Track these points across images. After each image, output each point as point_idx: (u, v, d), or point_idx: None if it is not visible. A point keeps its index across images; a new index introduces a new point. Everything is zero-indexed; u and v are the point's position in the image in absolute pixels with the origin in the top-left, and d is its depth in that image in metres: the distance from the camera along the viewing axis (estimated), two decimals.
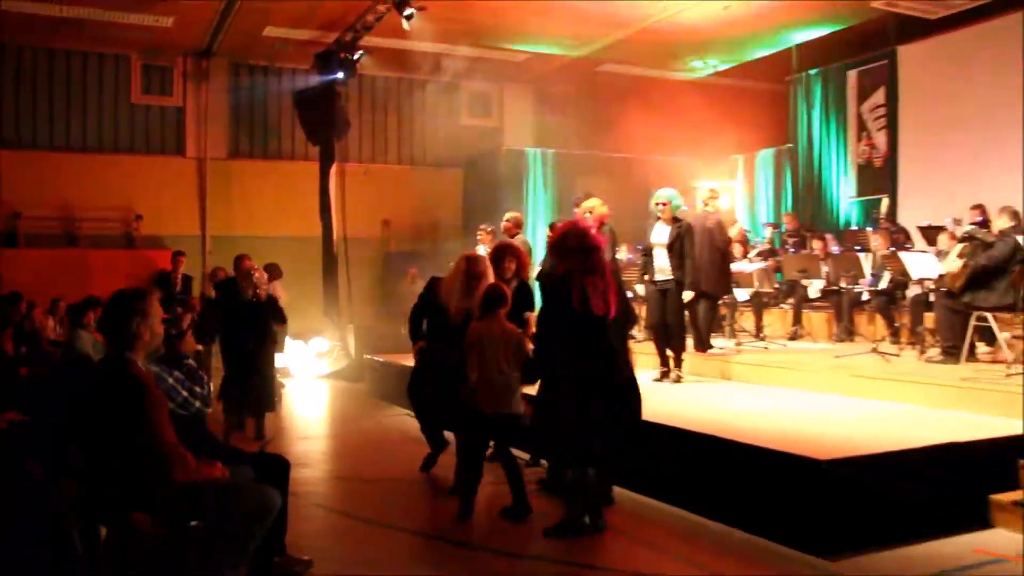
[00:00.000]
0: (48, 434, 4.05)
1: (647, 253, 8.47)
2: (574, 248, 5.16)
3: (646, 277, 8.69)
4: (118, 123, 14.65)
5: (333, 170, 14.30)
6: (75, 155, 14.22)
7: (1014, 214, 8.25)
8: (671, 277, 8.18)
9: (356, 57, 13.68)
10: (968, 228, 8.93)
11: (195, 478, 3.81)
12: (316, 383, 12.51)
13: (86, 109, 14.45)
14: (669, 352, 8.42)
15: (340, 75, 13.75)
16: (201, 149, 15.10)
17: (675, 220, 8.27)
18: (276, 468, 4.50)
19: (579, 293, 4.99)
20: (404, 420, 9.71)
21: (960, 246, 8.43)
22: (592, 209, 7.82)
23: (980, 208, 10.06)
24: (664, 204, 8.32)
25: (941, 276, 8.57)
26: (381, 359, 11.77)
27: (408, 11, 11.33)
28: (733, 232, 12.05)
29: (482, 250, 11.37)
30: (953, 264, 8.25)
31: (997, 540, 5.12)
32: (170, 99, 14.99)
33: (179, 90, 15.03)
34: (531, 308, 6.53)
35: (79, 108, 14.41)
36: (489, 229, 11.38)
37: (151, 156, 14.79)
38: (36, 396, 6.46)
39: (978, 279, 7.91)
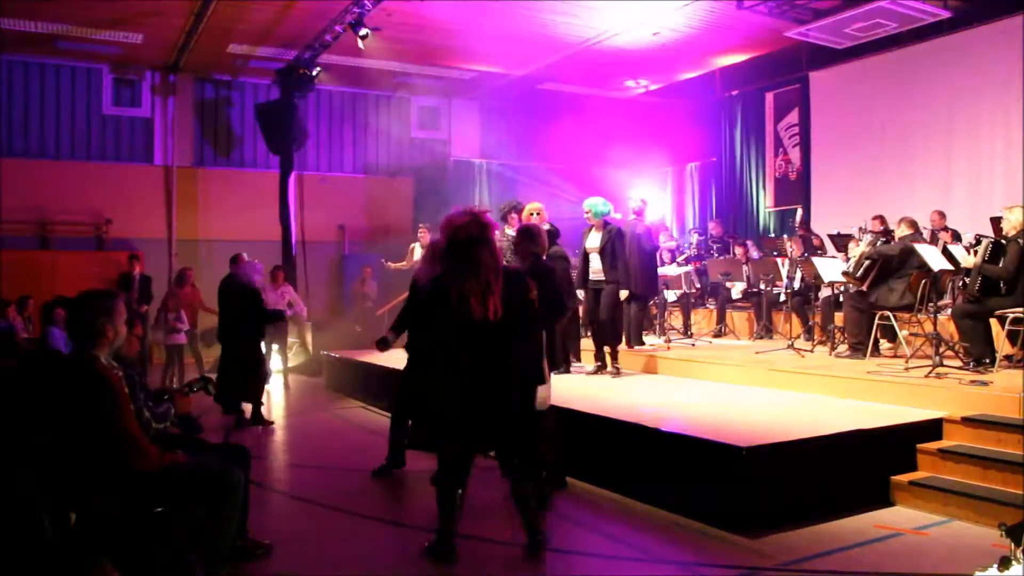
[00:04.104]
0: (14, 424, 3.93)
1: (584, 257, 8.47)
2: (451, 240, 4.39)
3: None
4: (90, 132, 14.36)
5: (292, 178, 14.20)
6: (49, 162, 13.91)
7: (912, 223, 8.43)
8: (603, 278, 8.17)
9: (314, 73, 13.57)
10: (870, 240, 9.05)
11: (158, 467, 3.75)
12: (276, 377, 12.35)
13: (59, 119, 14.15)
14: (607, 348, 8.47)
15: (299, 90, 13.65)
16: (168, 157, 14.86)
17: (605, 225, 8.26)
18: (238, 457, 4.44)
19: (456, 295, 4.27)
20: (359, 412, 9.66)
21: (867, 262, 8.51)
22: (539, 211, 7.82)
23: (880, 219, 10.28)
24: (587, 212, 8.35)
25: (845, 273, 8.70)
26: (337, 355, 11.67)
27: (363, 31, 11.26)
28: (667, 242, 12.21)
29: (420, 247, 11.46)
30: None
31: (897, 516, 5.24)
32: (139, 110, 14.72)
33: (148, 102, 14.77)
34: None
35: (53, 118, 14.11)
36: (427, 227, 11.48)
37: (121, 164, 14.51)
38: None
39: (877, 272, 8.07)
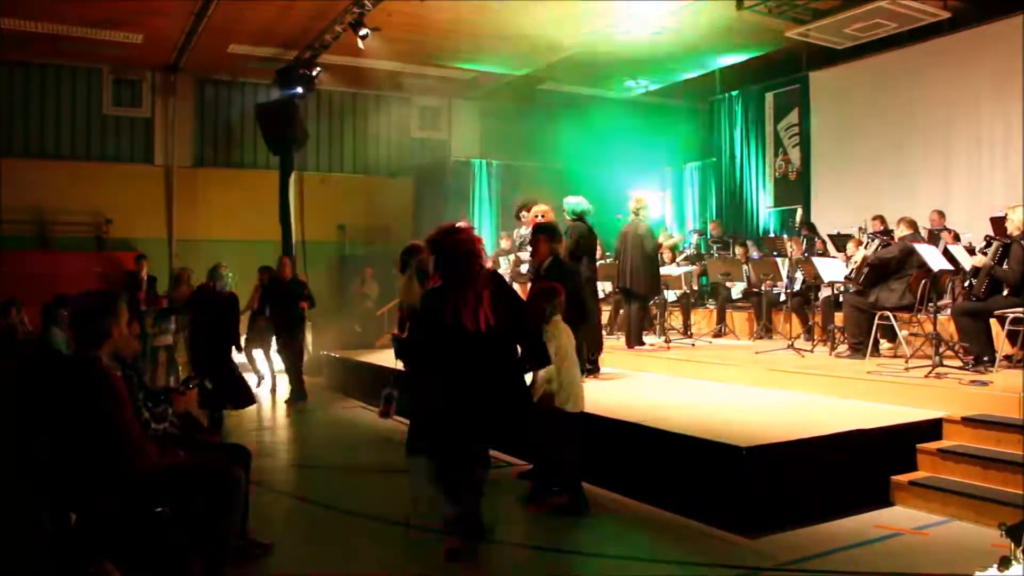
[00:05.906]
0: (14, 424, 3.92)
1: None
2: (450, 254, 4.53)
3: None
4: (90, 133, 14.37)
5: (292, 178, 14.21)
6: (49, 162, 13.92)
7: (911, 223, 8.43)
8: None
9: (314, 73, 13.58)
10: (873, 246, 9.03)
11: (158, 467, 3.75)
12: (276, 377, 12.34)
13: (60, 119, 14.16)
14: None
15: (299, 90, 13.66)
16: (168, 158, 14.85)
17: (574, 223, 7.99)
18: (238, 457, 4.44)
19: (451, 307, 4.43)
20: (359, 412, 9.66)
21: (867, 268, 8.50)
22: (545, 213, 7.69)
23: (880, 219, 10.28)
24: (564, 210, 8.19)
25: (847, 278, 8.72)
26: (337, 355, 11.68)
27: (363, 31, 11.26)
28: (666, 240, 12.18)
29: None
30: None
31: (897, 516, 5.25)
32: (139, 111, 14.72)
33: (148, 102, 14.76)
34: None
35: (53, 118, 14.11)
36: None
37: (121, 164, 14.51)
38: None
39: (876, 275, 8.07)
